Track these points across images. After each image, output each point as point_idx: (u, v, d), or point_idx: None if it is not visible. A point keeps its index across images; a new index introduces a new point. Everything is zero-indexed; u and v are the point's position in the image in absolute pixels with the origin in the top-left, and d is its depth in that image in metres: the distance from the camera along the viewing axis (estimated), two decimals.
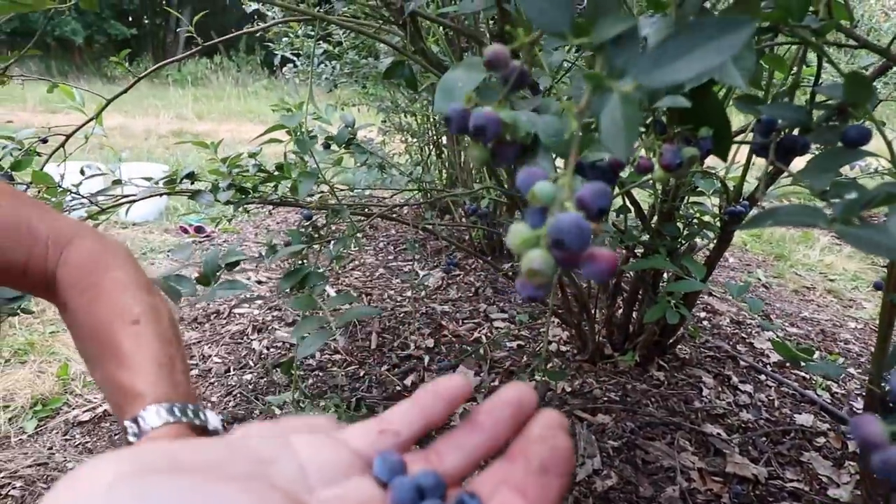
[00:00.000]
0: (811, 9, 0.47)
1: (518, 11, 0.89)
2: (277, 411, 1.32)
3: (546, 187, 0.29)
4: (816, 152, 0.48)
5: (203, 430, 0.37)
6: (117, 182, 1.01)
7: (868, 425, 0.24)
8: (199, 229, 2.73)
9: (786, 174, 1.05)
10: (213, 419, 0.38)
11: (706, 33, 0.28)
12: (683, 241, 1.02)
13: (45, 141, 1.10)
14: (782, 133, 0.46)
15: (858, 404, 1.29)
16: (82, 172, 1.03)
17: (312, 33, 2.40)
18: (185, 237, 2.71)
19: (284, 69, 3.15)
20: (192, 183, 1.00)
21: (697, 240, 1.11)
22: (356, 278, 2.02)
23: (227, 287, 0.78)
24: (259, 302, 1.90)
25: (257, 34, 1.06)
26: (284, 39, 2.65)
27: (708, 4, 0.46)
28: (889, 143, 0.53)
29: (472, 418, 0.27)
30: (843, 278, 2.15)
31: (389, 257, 2.22)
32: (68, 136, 1.08)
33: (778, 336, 1.57)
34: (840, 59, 2.09)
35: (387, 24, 0.94)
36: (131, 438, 0.37)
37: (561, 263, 0.27)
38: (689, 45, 0.29)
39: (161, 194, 1.02)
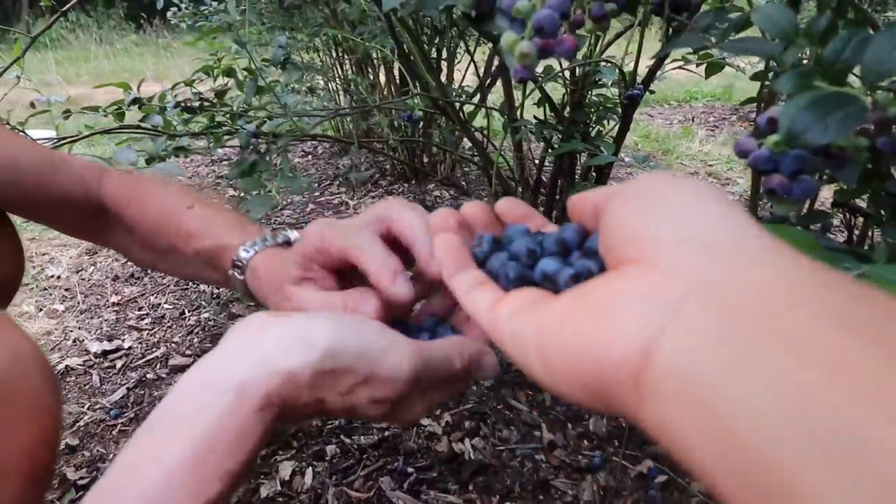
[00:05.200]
0: None
1: None
2: None
3: (525, 4, 0.42)
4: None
5: (289, 245, 0.47)
6: (66, 112, 1.02)
7: (744, 142, 0.39)
8: None
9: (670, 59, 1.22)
10: (292, 234, 0.48)
11: None
12: (593, 126, 1.18)
13: None
14: None
15: None
16: (33, 105, 1.02)
17: None
18: None
19: (168, 13, 2.98)
20: (140, 108, 1.03)
21: (601, 129, 1.28)
22: (288, 216, 2.07)
23: (173, 167, 0.85)
24: None
25: None
26: None
27: None
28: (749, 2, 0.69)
29: None
30: (720, 162, 2.47)
31: (316, 194, 2.27)
32: None
33: None
34: None
35: None
36: (240, 276, 0.46)
37: (540, 49, 0.40)
38: None
39: (108, 131, 1.04)
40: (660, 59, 1.14)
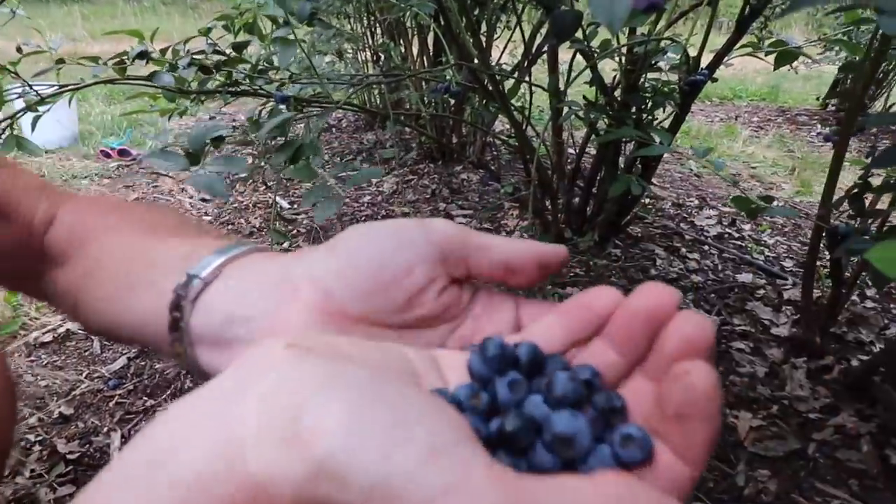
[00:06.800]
0: None
1: None
2: None
3: None
4: None
5: None
6: (60, 61, 0.93)
7: None
8: (122, 152, 2.55)
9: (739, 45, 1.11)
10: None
11: None
12: (647, 112, 1.08)
13: None
14: None
15: (787, 263, 1.44)
16: (19, 50, 0.94)
17: None
18: (108, 161, 2.53)
19: None
20: (147, 63, 0.94)
21: (653, 117, 1.17)
22: (309, 189, 1.98)
23: (221, 163, 0.76)
24: (208, 218, 1.84)
25: None
26: None
27: None
28: None
29: (605, 331, 0.23)
30: (764, 165, 2.34)
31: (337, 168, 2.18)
32: None
33: (728, 204, 1.73)
34: None
35: None
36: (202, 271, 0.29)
37: None
38: None
39: (111, 81, 0.96)
40: (729, 42, 1.03)
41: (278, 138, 0.97)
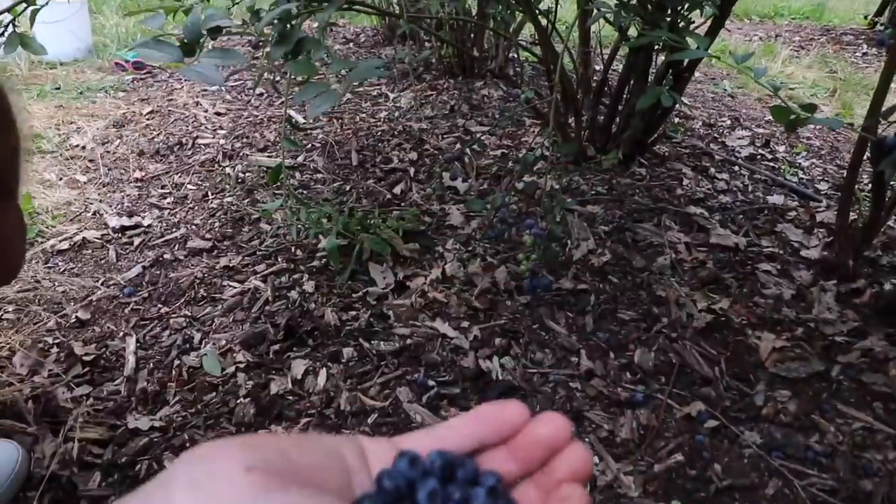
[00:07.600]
0: None
1: None
2: (269, 226, 1.30)
3: None
4: None
5: None
6: None
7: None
8: (137, 65, 2.49)
9: None
10: None
11: None
12: (685, 13, 0.99)
13: None
14: None
15: (822, 186, 1.37)
16: None
17: None
18: (123, 74, 2.48)
19: None
20: None
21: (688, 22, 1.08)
22: (305, 82, 1.92)
23: (217, 55, 0.71)
24: (223, 132, 1.80)
25: None
26: None
27: None
28: None
29: (511, 445, 0.25)
30: (803, 86, 2.20)
31: (354, 84, 2.11)
32: None
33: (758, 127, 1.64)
34: None
35: None
36: None
37: None
38: None
39: None
40: None
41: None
